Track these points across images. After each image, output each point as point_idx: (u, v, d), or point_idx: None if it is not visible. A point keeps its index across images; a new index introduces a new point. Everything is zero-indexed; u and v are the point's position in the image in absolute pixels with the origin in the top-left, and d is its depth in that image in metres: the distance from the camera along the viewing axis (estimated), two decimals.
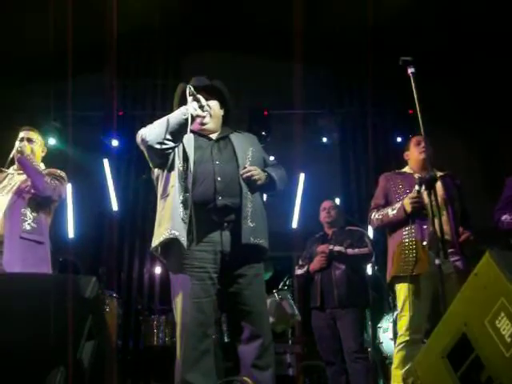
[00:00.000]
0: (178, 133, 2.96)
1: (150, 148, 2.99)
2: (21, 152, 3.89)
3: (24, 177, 3.93)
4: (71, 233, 7.47)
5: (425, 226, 3.61)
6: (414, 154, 3.94)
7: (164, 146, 2.95)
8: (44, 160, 4.22)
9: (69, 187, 7.63)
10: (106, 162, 7.63)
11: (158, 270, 7.40)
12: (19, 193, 3.85)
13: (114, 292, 5.78)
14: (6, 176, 4.02)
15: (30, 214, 3.81)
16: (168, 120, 2.99)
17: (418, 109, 3.15)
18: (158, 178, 3.12)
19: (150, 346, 5.68)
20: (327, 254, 4.89)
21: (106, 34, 6.96)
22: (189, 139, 3.06)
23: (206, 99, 3.09)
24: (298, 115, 7.83)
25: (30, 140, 4.05)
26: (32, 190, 3.84)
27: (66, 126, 7.53)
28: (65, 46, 6.98)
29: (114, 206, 7.57)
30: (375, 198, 3.99)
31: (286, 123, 7.76)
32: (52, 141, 7.41)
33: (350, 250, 4.88)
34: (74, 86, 7.29)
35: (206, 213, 2.94)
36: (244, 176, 3.00)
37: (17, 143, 4.03)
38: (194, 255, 2.89)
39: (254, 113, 7.54)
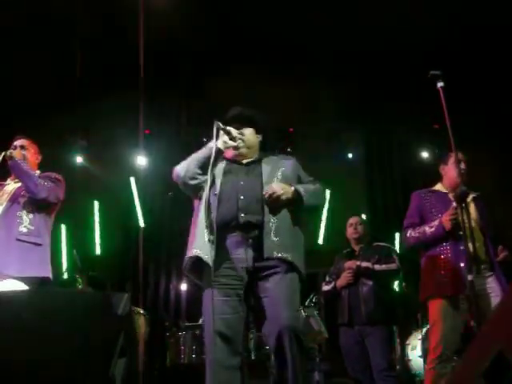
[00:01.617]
0: (207, 166, 3.07)
1: (184, 184, 3.17)
2: (10, 157, 3.88)
3: (20, 183, 3.95)
4: (98, 249, 7.53)
5: (461, 247, 3.54)
6: (452, 173, 3.85)
7: (196, 181, 3.13)
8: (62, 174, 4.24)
9: (96, 204, 7.73)
10: (132, 179, 7.69)
11: (184, 286, 7.41)
12: (15, 197, 3.90)
13: (141, 309, 5.78)
14: (6, 186, 4.06)
15: (25, 217, 3.84)
16: (198, 156, 3.17)
17: (448, 124, 3.11)
18: (194, 203, 3.25)
19: (177, 363, 5.66)
20: (354, 270, 4.85)
21: (133, 55, 7.06)
22: (220, 165, 3.20)
23: (239, 128, 3.22)
24: (323, 132, 7.83)
25: (22, 147, 4.08)
26: (30, 195, 3.85)
27: (92, 145, 7.63)
28: (92, 66, 7.10)
29: (141, 223, 7.63)
30: (409, 216, 3.94)
31: (311, 140, 7.76)
32: (79, 159, 7.51)
33: (377, 266, 4.83)
34: (101, 106, 7.41)
35: (230, 230, 3.00)
36: (265, 194, 3.02)
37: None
38: (220, 273, 2.95)
39: (280, 130, 7.56)
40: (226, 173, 3.17)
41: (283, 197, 3.04)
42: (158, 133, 7.90)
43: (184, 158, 3.34)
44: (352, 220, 5.25)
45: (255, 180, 3.15)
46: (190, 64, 7.81)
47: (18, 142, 4.12)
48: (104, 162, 7.41)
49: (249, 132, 3.30)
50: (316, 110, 7.33)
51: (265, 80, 7.15)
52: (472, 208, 3.59)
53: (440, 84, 3.19)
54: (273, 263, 2.96)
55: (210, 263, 2.86)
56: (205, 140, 7.73)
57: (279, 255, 2.95)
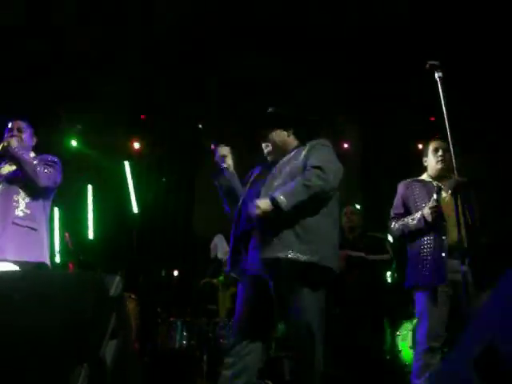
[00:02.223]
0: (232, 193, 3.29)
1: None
2: (8, 145, 3.86)
3: (14, 166, 3.92)
4: (91, 234, 7.52)
5: (444, 237, 3.59)
6: (432, 162, 3.91)
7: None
8: (64, 161, 4.23)
9: (89, 188, 7.71)
10: (126, 164, 7.67)
11: (176, 273, 7.42)
12: (11, 181, 3.88)
13: (132, 294, 5.79)
14: (3, 166, 4.02)
15: (22, 201, 3.82)
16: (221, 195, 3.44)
17: (444, 114, 3.11)
18: None
19: (168, 349, 5.68)
20: (346, 259, 4.88)
21: (129, 37, 7.01)
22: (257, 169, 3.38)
23: (265, 134, 3.26)
24: (319, 121, 7.81)
25: (19, 129, 4.04)
26: (28, 182, 3.83)
27: (88, 129, 7.60)
28: (89, 49, 7.05)
29: (134, 208, 7.61)
30: (394, 207, 3.97)
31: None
32: (74, 143, 7.48)
33: (370, 256, 4.86)
34: (97, 90, 7.37)
35: (243, 235, 3.12)
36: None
37: (5, 134, 4.02)
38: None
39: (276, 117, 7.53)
40: (255, 178, 3.28)
41: (263, 214, 2.89)
42: (154, 118, 7.87)
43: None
44: (346, 209, 5.28)
45: (261, 184, 3.16)
46: (187, 49, 7.77)
47: (14, 125, 4.08)
48: (99, 146, 7.38)
49: (274, 134, 3.24)
50: (312, 97, 7.31)
51: (259, 64, 7.12)
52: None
53: (438, 74, 3.18)
54: (274, 268, 2.95)
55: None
56: (200, 127, 7.78)
57: (275, 255, 2.91)
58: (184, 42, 7.17)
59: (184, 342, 5.54)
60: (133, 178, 7.69)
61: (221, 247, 5.50)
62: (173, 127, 7.84)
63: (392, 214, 3.95)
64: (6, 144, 3.87)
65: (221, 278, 6.24)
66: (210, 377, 5.19)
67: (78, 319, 1.64)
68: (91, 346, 1.62)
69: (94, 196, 7.64)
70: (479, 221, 3.73)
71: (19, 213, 3.79)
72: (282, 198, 2.87)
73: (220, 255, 5.49)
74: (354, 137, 7.92)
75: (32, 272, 2.85)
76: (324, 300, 2.99)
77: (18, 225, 3.77)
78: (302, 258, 2.88)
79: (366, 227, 5.40)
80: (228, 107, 7.61)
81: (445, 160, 3.79)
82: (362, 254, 4.87)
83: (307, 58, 7.13)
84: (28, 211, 3.83)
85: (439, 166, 3.83)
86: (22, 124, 4.10)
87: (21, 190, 3.86)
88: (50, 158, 4.01)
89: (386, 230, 5.32)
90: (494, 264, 3.45)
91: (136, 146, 7.66)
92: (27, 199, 3.86)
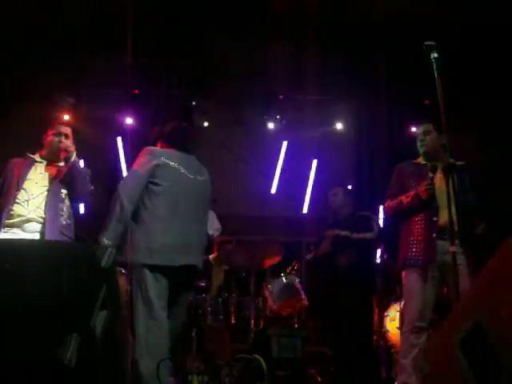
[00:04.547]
0: None
1: None
2: (67, 152, 3.91)
3: (55, 169, 3.94)
4: (82, 209, 7.48)
5: (435, 219, 3.62)
6: (417, 147, 3.95)
7: None
8: None
9: (81, 164, 7.66)
10: (119, 139, 7.62)
11: None
12: (58, 188, 3.88)
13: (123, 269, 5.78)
14: (34, 163, 3.98)
15: (66, 210, 3.88)
16: None
17: (439, 95, 3.11)
18: None
19: None
20: (332, 238, 4.93)
21: (124, 12, 6.93)
22: None
23: None
24: (313, 101, 7.79)
25: (66, 136, 4.04)
26: (74, 194, 3.92)
27: (80, 103, 7.52)
28: (81, 23, 6.97)
29: None
30: (390, 187, 4.02)
31: (300, 108, 7.73)
32: (66, 117, 7.41)
33: (354, 235, 4.90)
34: (90, 63, 7.29)
35: None
36: None
37: (53, 137, 4.02)
38: None
39: (269, 97, 7.51)
40: None
41: None
42: (147, 93, 7.80)
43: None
44: (333, 190, 5.35)
45: None
46: (182, 25, 7.70)
47: (63, 130, 4.06)
48: (91, 121, 7.31)
49: None
50: (306, 79, 7.28)
51: (256, 44, 7.07)
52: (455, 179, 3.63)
53: (434, 55, 3.18)
54: None
55: None
56: (194, 104, 7.73)
57: None
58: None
59: None
60: (125, 153, 7.64)
61: (212, 224, 5.51)
62: (165, 103, 7.79)
63: (387, 194, 4.01)
64: (67, 150, 3.92)
65: (211, 255, 6.26)
66: (199, 353, 5.22)
67: (69, 289, 1.65)
68: (82, 316, 1.63)
69: None
70: (475, 207, 3.74)
71: (63, 222, 3.83)
72: None
73: (211, 232, 5.50)
74: (347, 118, 7.89)
75: (23, 242, 2.86)
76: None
77: (63, 235, 3.80)
78: None
79: (359, 207, 5.43)
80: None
81: (425, 144, 3.84)
82: (347, 233, 4.91)
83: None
84: (69, 221, 3.89)
85: (421, 149, 3.88)
86: (68, 130, 4.08)
87: (66, 199, 3.90)
88: (86, 168, 4.12)
89: (377, 212, 5.34)
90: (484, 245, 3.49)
91: (129, 121, 7.60)
92: (69, 209, 3.91)
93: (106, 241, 3.26)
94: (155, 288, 3.34)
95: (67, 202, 3.89)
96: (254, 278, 5.44)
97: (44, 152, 4.04)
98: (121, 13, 6.92)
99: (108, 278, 1.79)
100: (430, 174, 3.66)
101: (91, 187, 4.00)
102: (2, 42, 6.53)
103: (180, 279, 3.52)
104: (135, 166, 3.59)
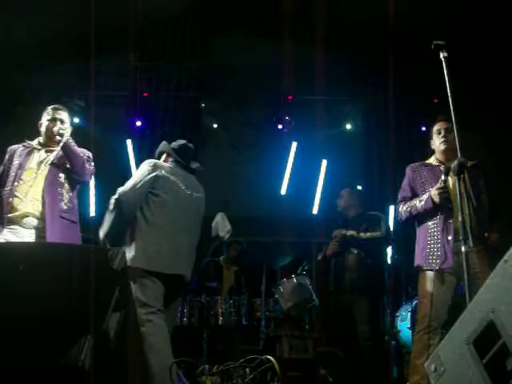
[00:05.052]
0: None
1: None
2: (61, 135, 3.85)
3: (54, 154, 3.90)
4: (93, 211, 7.52)
5: (450, 221, 3.59)
6: (436, 144, 3.90)
7: None
8: None
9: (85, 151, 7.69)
10: (128, 142, 7.64)
11: None
12: (55, 172, 3.87)
13: None
14: (33, 151, 3.98)
15: (66, 194, 3.86)
16: None
17: (449, 94, 3.09)
18: None
19: None
20: (339, 238, 4.92)
21: (132, 15, 6.95)
22: None
23: None
24: (323, 101, 7.78)
25: (62, 121, 4.00)
26: (73, 176, 3.89)
27: (90, 106, 7.56)
28: (91, 26, 7.00)
29: None
30: (402, 190, 3.98)
31: (310, 109, 7.72)
32: (76, 120, 7.44)
33: (361, 234, 4.89)
34: (100, 66, 7.32)
35: None
36: None
37: (48, 123, 3.98)
38: None
39: (278, 98, 7.52)
40: None
41: None
42: (156, 95, 7.82)
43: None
44: (340, 193, 5.37)
45: None
46: (190, 26, 7.73)
47: (57, 115, 4.02)
48: (100, 124, 7.35)
49: None
50: (316, 79, 7.27)
51: (265, 47, 7.08)
52: (467, 178, 3.61)
53: (443, 54, 3.16)
54: None
55: None
56: (202, 106, 7.75)
57: None
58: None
59: (184, 320, 5.57)
60: (135, 156, 7.66)
61: (222, 226, 5.51)
62: (175, 105, 7.80)
63: (400, 198, 3.97)
64: (61, 132, 3.86)
65: (222, 256, 6.27)
66: (211, 354, 5.23)
67: (82, 292, 1.65)
68: (95, 318, 1.64)
69: (95, 174, 7.62)
70: (483, 212, 3.71)
71: (63, 206, 3.81)
72: None
73: (222, 233, 5.51)
74: (356, 119, 7.88)
75: (37, 245, 2.87)
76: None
77: (64, 219, 3.79)
78: None
79: (369, 207, 5.41)
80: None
81: (448, 141, 3.78)
82: (354, 233, 4.90)
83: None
84: (70, 205, 3.87)
85: (442, 147, 3.82)
86: (63, 115, 4.05)
87: (65, 183, 3.88)
88: (87, 153, 4.04)
89: (387, 212, 5.31)
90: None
91: (138, 123, 7.62)
92: (70, 192, 3.89)
93: (102, 235, 3.49)
94: (147, 292, 3.42)
95: (67, 186, 3.88)
96: (265, 279, 5.45)
97: (42, 138, 4.03)
98: (129, 15, 6.94)
99: (120, 280, 1.79)
100: (443, 177, 3.61)
101: (90, 167, 3.98)
102: (11, 46, 6.57)
103: (170, 287, 3.64)
104: (136, 175, 3.76)
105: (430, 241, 3.69)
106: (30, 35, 6.66)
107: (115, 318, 1.73)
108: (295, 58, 7.42)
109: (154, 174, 3.71)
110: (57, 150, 3.91)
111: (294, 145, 7.73)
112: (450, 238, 3.59)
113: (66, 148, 3.84)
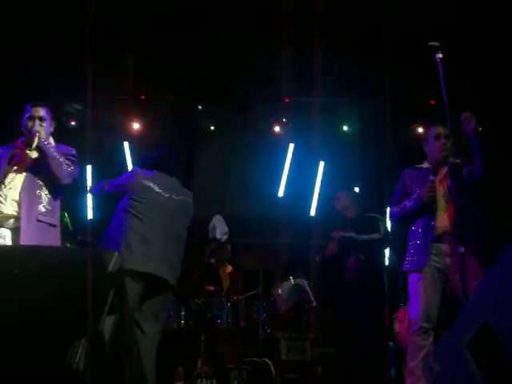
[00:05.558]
0: None
1: None
2: (39, 139, 3.74)
3: (35, 154, 3.81)
4: (90, 214, 7.51)
5: (432, 223, 3.65)
6: (433, 149, 3.90)
7: None
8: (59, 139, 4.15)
9: (89, 169, 7.68)
10: (126, 144, 7.64)
11: None
12: (33, 173, 3.78)
13: None
14: (15, 151, 3.85)
15: (45, 196, 3.75)
16: None
17: (444, 96, 3.10)
18: None
19: (166, 328, 5.68)
20: (338, 239, 4.93)
21: (131, 16, 6.95)
22: None
23: None
24: (320, 103, 7.78)
25: (40, 118, 3.88)
26: (51, 178, 3.78)
27: (87, 108, 7.56)
28: (88, 28, 6.99)
29: None
30: (395, 193, 4.05)
31: (307, 111, 7.72)
32: (73, 122, 7.45)
33: (360, 236, 4.90)
34: (97, 69, 7.31)
35: None
36: None
37: (26, 121, 3.87)
38: None
39: (276, 100, 7.52)
40: None
41: None
42: (155, 99, 7.82)
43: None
44: (337, 194, 5.38)
45: None
46: (188, 29, 7.72)
47: (35, 112, 3.90)
48: (98, 126, 7.34)
49: None
50: (313, 81, 7.27)
51: (263, 48, 7.08)
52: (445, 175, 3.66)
53: (439, 55, 3.17)
54: None
55: None
56: (199, 107, 7.75)
57: None
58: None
59: (182, 322, 5.57)
60: (132, 158, 7.66)
61: (219, 228, 5.53)
62: (172, 107, 7.80)
63: (392, 201, 4.04)
64: (39, 137, 3.74)
65: (216, 258, 6.26)
66: (208, 356, 5.23)
67: (77, 295, 1.65)
68: (90, 321, 1.64)
69: (93, 176, 7.62)
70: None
71: (42, 209, 3.73)
72: None
73: (219, 236, 5.52)
74: (353, 120, 7.89)
75: (33, 248, 2.87)
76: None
77: (42, 222, 3.72)
78: None
79: (366, 209, 5.42)
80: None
81: (447, 148, 3.78)
82: (353, 235, 4.91)
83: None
84: (49, 207, 3.78)
85: (443, 153, 3.81)
86: (42, 112, 3.92)
87: (43, 185, 3.78)
88: (71, 151, 3.94)
89: (385, 213, 5.33)
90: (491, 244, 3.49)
91: (136, 126, 7.62)
92: (49, 195, 3.80)
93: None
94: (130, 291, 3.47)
95: (47, 188, 3.78)
96: (262, 280, 5.45)
97: (25, 138, 3.91)
98: (128, 17, 6.94)
99: (115, 282, 1.79)
100: (431, 177, 3.67)
101: (69, 169, 3.82)
102: (9, 49, 6.57)
103: (152, 289, 3.76)
104: (118, 179, 4.16)
105: (415, 241, 3.76)
106: (26, 36, 6.65)
107: (110, 320, 1.73)
108: (292, 60, 7.42)
109: (133, 180, 4.01)
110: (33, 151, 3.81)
111: (291, 146, 7.73)
112: (430, 238, 3.65)
113: (40, 151, 3.76)
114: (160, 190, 4.01)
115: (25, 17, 6.52)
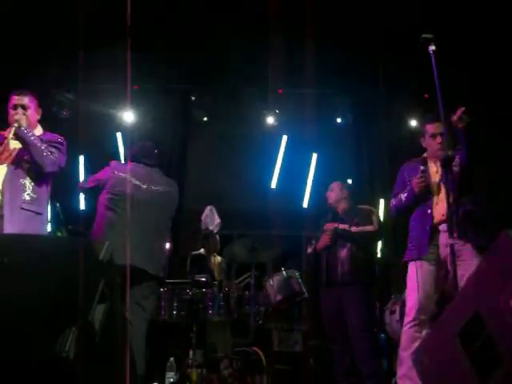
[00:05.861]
0: None
1: None
2: (18, 127, 3.70)
3: (20, 144, 3.77)
4: (82, 204, 7.49)
5: (429, 211, 3.67)
6: (431, 147, 3.90)
7: None
8: (49, 127, 4.12)
9: (81, 159, 7.65)
10: (118, 135, 7.61)
11: (167, 245, 7.41)
12: (18, 162, 3.74)
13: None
14: (4, 140, 3.80)
15: (29, 185, 3.70)
16: None
17: (437, 89, 3.09)
18: None
19: (157, 319, 5.68)
20: (332, 231, 4.93)
21: (122, 5, 6.90)
22: None
23: None
24: (313, 95, 7.78)
25: (23, 107, 3.83)
26: (34, 166, 3.73)
27: (79, 98, 7.51)
28: (79, 17, 6.94)
29: None
30: (394, 187, 4.07)
31: (300, 102, 7.72)
32: (65, 112, 7.40)
33: (354, 228, 4.90)
34: (89, 58, 7.26)
35: None
36: None
37: (10, 110, 3.83)
38: None
39: (268, 91, 7.51)
40: None
41: None
42: (147, 88, 7.78)
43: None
44: (330, 186, 5.38)
45: None
46: (180, 19, 7.68)
47: (18, 101, 3.84)
48: (90, 117, 7.31)
49: None
50: (306, 72, 7.26)
51: (255, 38, 7.05)
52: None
53: (432, 48, 3.16)
54: None
55: None
56: (192, 98, 7.73)
57: None
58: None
59: (174, 313, 5.56)
60: (125, 149, 7.64)
61: (212, 219, 5.52)
62: (165, 98, 7.78)
63: (392, 194, 4.05)
64: (16, 126, 3.69)
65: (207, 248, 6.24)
66: (200, 347, 5.23)
67: (68, 283, 1.65)
68: (80, 310, 1.63)
69: (85, 167, 7.59)
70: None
71: (26, 197, 3.69)
72: None
73: (211, 227, 5.51)
74: (346, 112, 7.88)
75: (22, 237, 2.85)
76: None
77: (25, 210, 3.68)
78: None
79: (359, 201, 5.42)
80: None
81: (444, 147, 3.78)
82: (347, 227, 4.91)
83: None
84: (34, 196, 3.73)
85: (439, 152, 3.81)
86: (24, 100, 3.86)
87: (27, 174, 3.74)
88: (57, 138, 3.90)
89: (377, 205, 5.33)
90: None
91: (128, 116, 7.59)
92: (33, 183, 3.75)
93: None
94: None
95: (31, 176, 3.73)
96: (254, 272, 5.45)
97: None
98: (119, 6, 6.88)
99: (106, 271, 1.79)
100: (422, 167, 3.69)
101: (52, 157, 3.76)
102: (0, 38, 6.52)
103: (131, 279, 3.71)
104: (96, 174, 4.29)
105: (412, 232, 3.79)
106: (19, 25, 6.60)
107: (100, 309, 1.73)
108: (285, 51, 7.41)
109: (110, 174, 4.12)
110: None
111: (284, 138, 7.73)
112: (427, 227, 3.67)
113: (18, 138, 3.72)
114: (138, 182, 4.09)
115: (16, 5, 6.47)
